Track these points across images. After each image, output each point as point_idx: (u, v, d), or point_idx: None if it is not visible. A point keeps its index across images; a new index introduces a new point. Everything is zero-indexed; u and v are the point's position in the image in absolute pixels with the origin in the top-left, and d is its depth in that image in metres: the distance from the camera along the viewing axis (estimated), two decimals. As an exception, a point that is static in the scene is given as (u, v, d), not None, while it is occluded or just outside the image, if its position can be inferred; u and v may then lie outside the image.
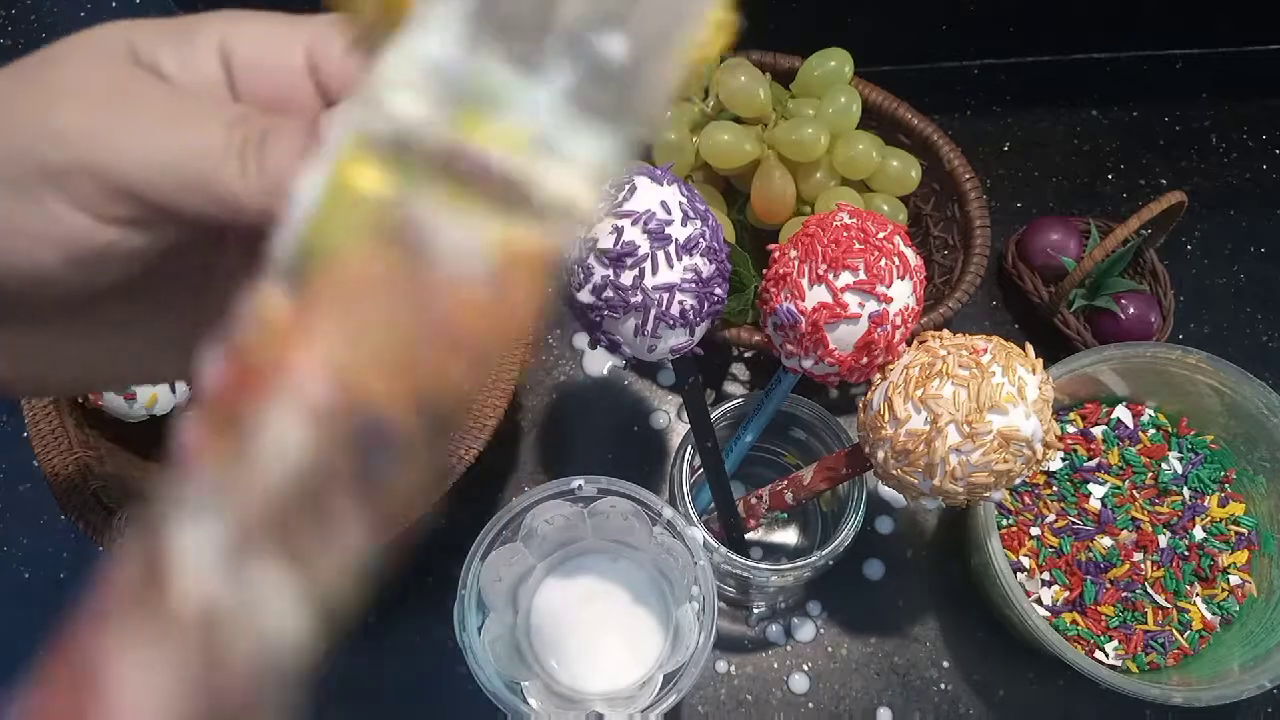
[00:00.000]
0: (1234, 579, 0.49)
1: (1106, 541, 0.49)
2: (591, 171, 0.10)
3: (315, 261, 0.10)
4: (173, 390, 0.47)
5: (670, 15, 0.10)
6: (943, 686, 0.51)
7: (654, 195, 0.35)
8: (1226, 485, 0.51)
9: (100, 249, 0.18)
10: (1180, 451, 0.51)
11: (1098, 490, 0.50)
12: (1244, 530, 0.50)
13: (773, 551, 0.54)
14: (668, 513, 0.42)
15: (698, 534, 0.42)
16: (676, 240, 0.35)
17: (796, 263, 0.39)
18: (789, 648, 0.52)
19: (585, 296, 0.36)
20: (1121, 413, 0.52)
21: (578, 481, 0.42)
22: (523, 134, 0.10)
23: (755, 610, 0.52)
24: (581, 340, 0.59)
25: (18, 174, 0.17)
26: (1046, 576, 0.49)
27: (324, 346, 0.10)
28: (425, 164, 0.10)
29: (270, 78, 0.19)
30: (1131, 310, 0.57)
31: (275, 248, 0.11)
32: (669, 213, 0.35)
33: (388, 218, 0.10)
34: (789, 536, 0.54)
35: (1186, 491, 0.50)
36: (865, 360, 0.39)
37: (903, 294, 0.38)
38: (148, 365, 0.24)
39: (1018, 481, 0.37)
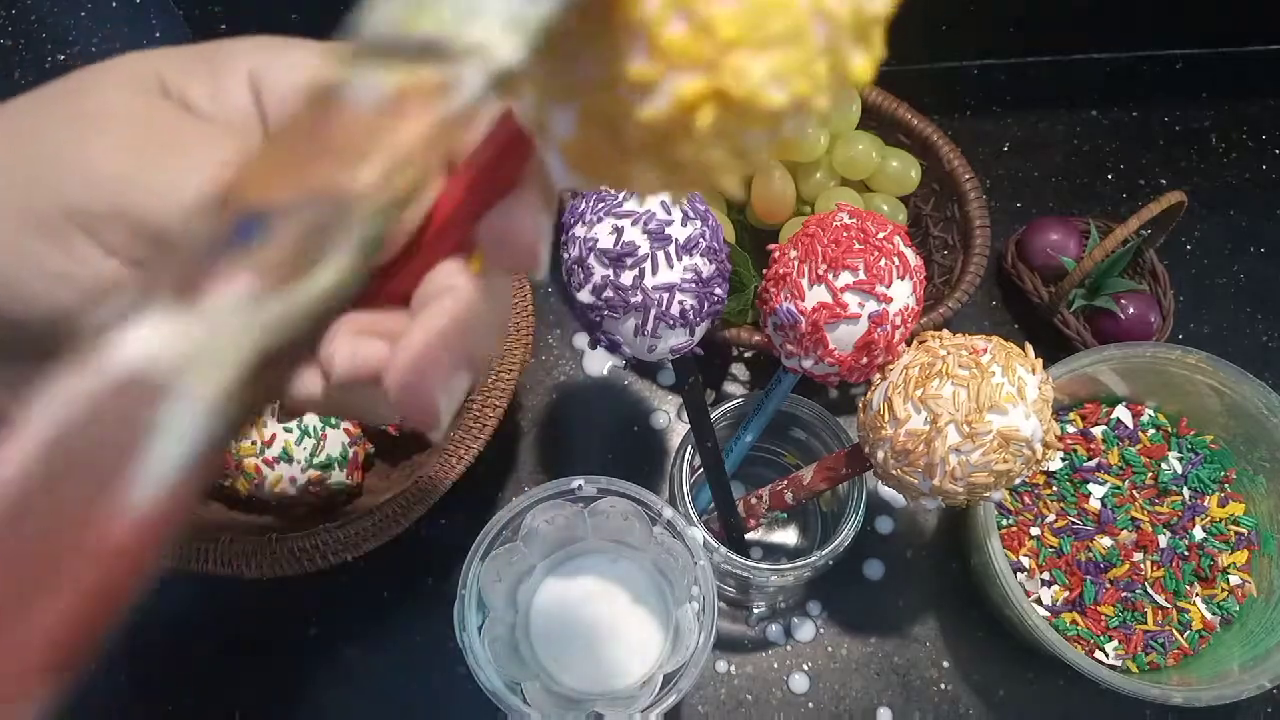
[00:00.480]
0: (1234, 579, 0.49)
1: (1106, 541, 0.49)
2: (504, 20, 0.13)
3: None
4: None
5: None
6: (943, 686, 0.51)
7: (654, 195, 0.35)
8: (1226, 485, 0.51)
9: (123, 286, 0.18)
10: (1180, 451, 0.51)
11: (1097, 490, 0.50)
12: (1244, 530, 0.50)
13: (773, 551, 0.54)
14: (668, 513, 0.42)
15: (698, 534, 0.42)
16: (676, 240, 0.35)
17: (796, 263, 0.39)
18: (789, 648, 0.52)
19: (585, 296, 0.36)
20: (1121, 413, 0.52)
21: (578, 481, 0.42)
22: (447, 12, 0.13)
23: (755, 610, 0.52)
24: (581, 340, 0.59)
25: (45, 213, 0.17)
26: (1046, 576, 0.49)
27: (246, 170, 0.13)
28: (366, 55, 0.13)
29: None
30: (1131, 310, 0.57)
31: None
32: (669, 213, 0.35)
33: (322, 92, 0.13)
34: (789, 536, 0.54)
35: (1186, 491, 0.50)
36: (865, 360, 0.39)
37: (902, 294, 0.38)
38: None
39: (1017, 481, 0.37)
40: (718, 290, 0.37)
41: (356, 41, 0.13)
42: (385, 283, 0.18)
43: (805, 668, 0.51)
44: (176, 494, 0.12)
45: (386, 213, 0.13)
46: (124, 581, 0.13)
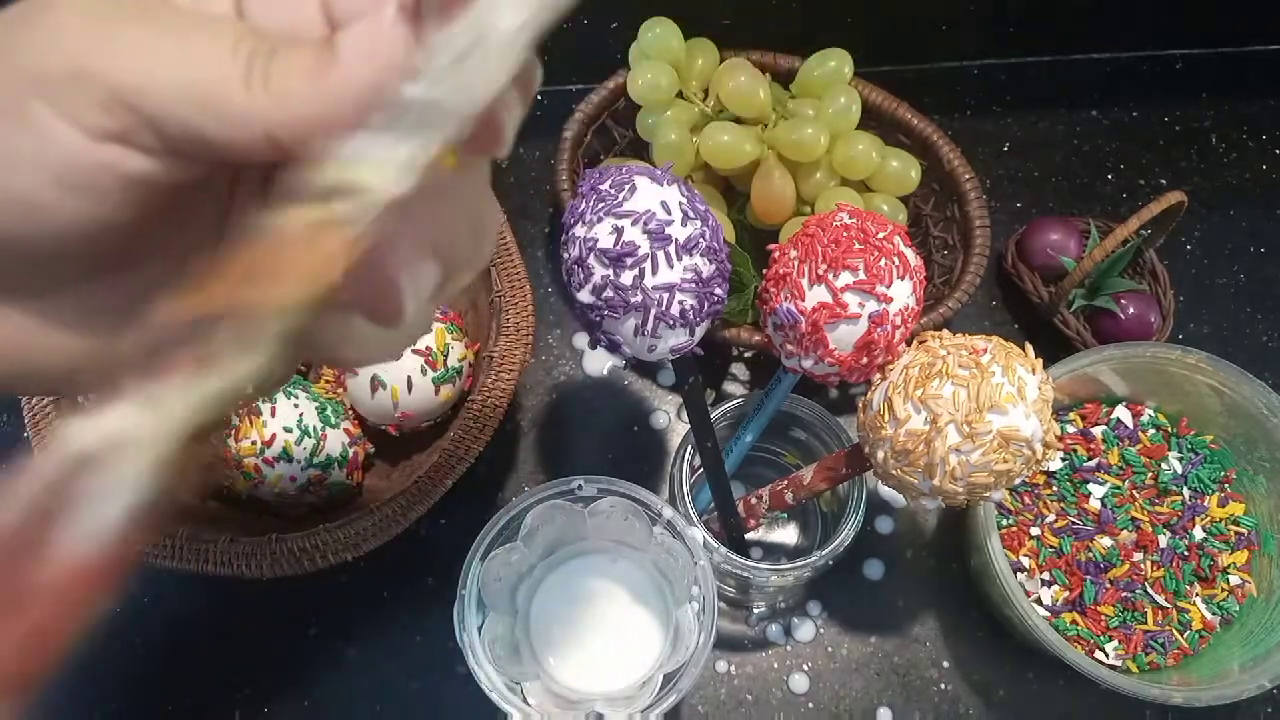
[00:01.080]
0: (1234, 579, 0.49)
1: (1106, 541, 0.49)
2: (394, 166, 0.16)
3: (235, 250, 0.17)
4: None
5: (483, 65, 0.16)
6: (943, 686, 0.51)
7: (654, 195, 0.35)
8: (1226, 485, 0.51)
9: (93, 170, 0.17)
10: (1180, 451, 0.51)
11: (1097, 490, 0.50)
12: (1244, 530, 0.50)
13: (773, 551, 0.54)
14: (668, 513, 0.42)
15: (698, 534, 0.42)
16: (676, 240, 0.35)
17: (796, 263, 0.39)
18: (789, 648, 0.52)
19: (585, 296, 0.36)
20: (1121, 413, 0.52)
21: (578, 481, 0.42)
22: (354, 162, 0.16)
23: (755, 610, 0.52)
24: (581, 340, 0.59)
25: (9, 96, 0.16)
26: (1046, 576, 0.49)
27: (198, 284, 0.17)
28: (296, 199, 0.16)
29: (280, 7, 0.18)
30: (1131, 310, 0.57)
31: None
32: (669, 213, 0.35)
33: (259, 228, 0.17)
34: (789, 536, 0.54)
35: (1186, 491, 0.50)
36: (865, 360, 0.39)
37: (902, 294, 0.38)
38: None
39: (1017, 481, 0.37)
40: (718, 290, 0.37)
41: (285, 190, 0.16)
42: None
43: (805, 668, 0.51)
44: (112, 546, 0.16)
45: (300, 313, 0.17)
46: (66, 616, 0.16)
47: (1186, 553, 0.49)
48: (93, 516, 0.16)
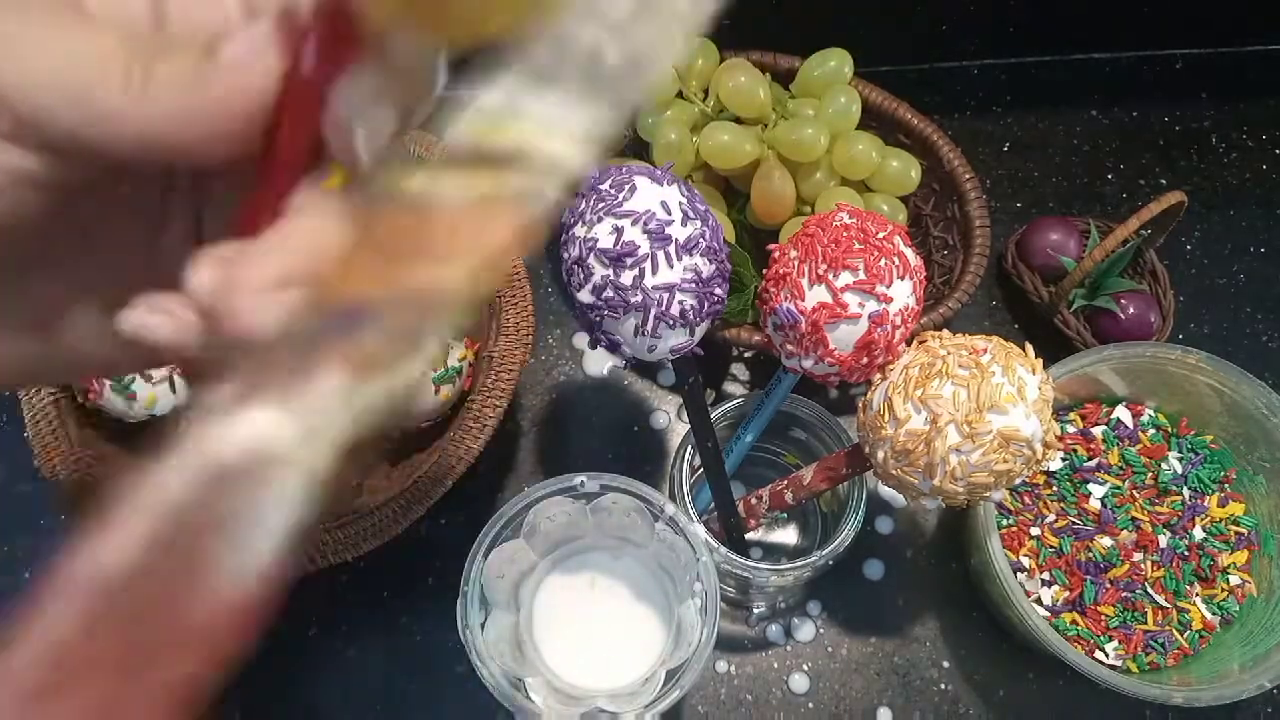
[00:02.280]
0: (1234, 579, 0.49)
1: (1106, 541, 0.49)
2: (579, 137, 0.14)
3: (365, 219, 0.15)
4: (173, 390, 0.47)
5: (654, 34, 0.14)
6: (943, 686, 0.51)
7: (654, 195, 0.35)
8: (1226, 485, 0.51)
9: None
10: (1180, 451, 0.51)
11: (1098, 490, 0.50)
12: (1244, 530, 0.50)
13: (773, 551, 0.54)
14: (670, 509, 0.42)
15: (699, 529, 0.42)
16: (676, 240, 0.35)
17: (796, 263, 0.39)
18: (789, 648, 0.52)
19: (585, 296, 0.36)
20: (1121, 413, 0.52)
21: (580, 478, 0.42)
22: (530, 126, 0.14)
23: (755, 610, 0.52)
24: (581, 340, 0.59)
25: None
26: (1046, 576, 0.49)
27: (341, 266, 0.14)
28: (454, 163, 0.14)
29: (200, 5, 0.17)
30: (1131, 310, 0.57)
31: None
32: (669, 213, 0.35)
33: (414, 196, 0.14)
34: (789, 536, 0.54)
35: (1186, 491, 0.50)
36: (865, 360, 0.39)
37: (902, 294, 0.38)
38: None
39: (1018, 481, 0.37)
40: (718, 290, 0.37)
41: (444, 150, 0.14)
42: (246, 219, 0.18)
43: (805, 668, 0.51)
44: (266, 576, 0.13)
45: (470, 309, 0.14)
46: (218, 655, 0.14)
47: (1186, 553, 0.49)
48: (243, 543, 0.13)
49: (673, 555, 0.44)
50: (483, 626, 0.41)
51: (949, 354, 0.37)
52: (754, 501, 0.46)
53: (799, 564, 0.44)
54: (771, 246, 0.41)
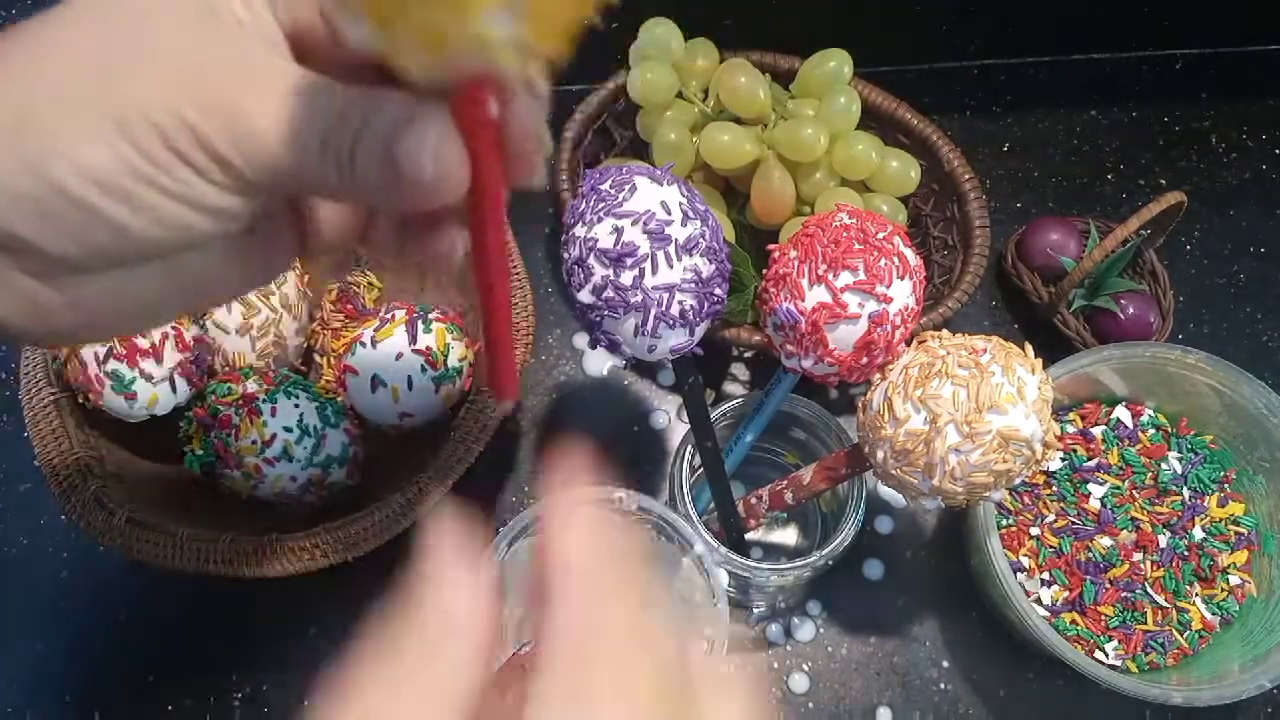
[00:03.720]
0: (1234, 579, 0.49)
1: (1106, 541, 0.49)
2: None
3: None
4: (173, 390, 0.47)
5: None
6: (943, 686, 0.51)
7: (654, 195, 0.35)
8: (1226, 485, 0.51)
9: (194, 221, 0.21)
10: (1180, 451, 0.51)
11: (1097, 490, 0.50)
12: (1244, 530, 0.50)
13: (773, 551, 0.54)
14: (699, 548, 0.41)
15: (724, 577, 0.42)
16: (676, 240, 0.35)
17: (796, 263, 0.39)
18: (789, 648, 0.52)
19: (585, 296, 0.36)
20: (1121, 413, 0.52)
21: (620, 494, 0.42)
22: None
23: (755, 610, 0.52)
24: (581, 340, 0.59)
25: (124, 115, 0.19)
26: (1046, 576, 0.49)
27: None
28: None
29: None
30: (1131, 310, 0.57)
31: None
32: (669, 213, 0.35)
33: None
34: (789, 536, 0.54)
35: (1186, 491, 0.50)
36: (865, 360, 0.39)
37: (902, 294, 0.38)
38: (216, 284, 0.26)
39: (1017, 481, 0.37)
40: (718, 290, 0.37)
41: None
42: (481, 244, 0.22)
43: (805, 668, 0.51)
44: None
45: None
46: None
47: (1186, 553, 0.49)
48: None
49: (690, 591, 0.43)
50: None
51: (949, 354, 0.37)
52: (754, 501, 0.46)
53: (799, 564, 0.44)
54: (771, 246, 0.41)
